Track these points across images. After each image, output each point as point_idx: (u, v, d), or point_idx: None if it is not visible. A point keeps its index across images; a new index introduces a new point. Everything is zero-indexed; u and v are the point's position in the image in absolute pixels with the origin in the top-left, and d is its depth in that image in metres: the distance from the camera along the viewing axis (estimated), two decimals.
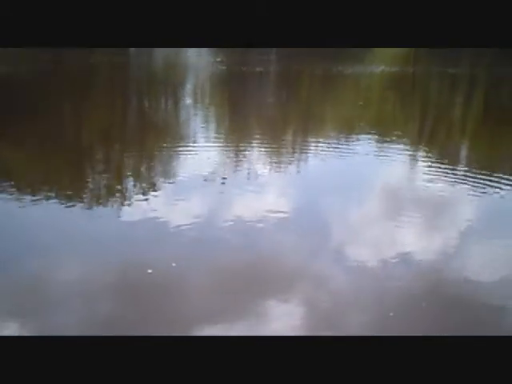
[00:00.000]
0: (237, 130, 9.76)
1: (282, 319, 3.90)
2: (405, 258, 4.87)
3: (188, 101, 12.51)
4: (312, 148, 8.63)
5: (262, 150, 8.28)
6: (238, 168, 7.25)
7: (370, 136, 9.57)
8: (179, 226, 5.27)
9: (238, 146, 8.36)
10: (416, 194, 6.65)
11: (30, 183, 6.40)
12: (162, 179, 6.74)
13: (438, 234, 5.53)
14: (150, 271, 4.35)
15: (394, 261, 4.82)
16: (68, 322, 3.73)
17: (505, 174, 7.46)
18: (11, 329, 3.59)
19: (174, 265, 4.46)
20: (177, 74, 15.21)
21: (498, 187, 6.88)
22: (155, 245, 4.89)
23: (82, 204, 5.77)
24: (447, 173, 7.45)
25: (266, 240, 5.10)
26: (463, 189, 6.82)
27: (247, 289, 4.27)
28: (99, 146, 8.19)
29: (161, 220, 5.41)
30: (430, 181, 7.08)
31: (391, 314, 4.03)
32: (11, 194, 5.91)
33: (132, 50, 14.09)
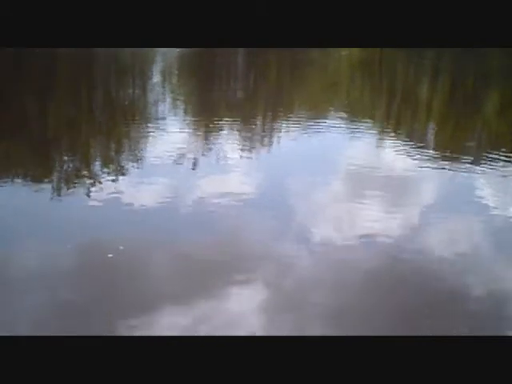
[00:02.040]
0: (206, 111, 9.71)
1: (244, 300, 3.92)
2: (367, 237, 4.93)
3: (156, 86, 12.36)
4: (280, 128, 8.71)
5: (233, 130, 8.38)
6: (206, 148, 7.28)
7: (339, 116, 9.69)
8: (143, 207, 5.28)
9: (206, 127, 8.38)
10: (381, 172, 6.73)
11: None
12: (129, 161, 6.72)
13: (401, 212, 5.60)
14: (110, 255, 4.33)
15: (356, 239, 4.88)
16: (25, 305, 3.74)
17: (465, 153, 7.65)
18: None
19: (121, 248, 4.42)
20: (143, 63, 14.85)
21: (459, 167, 7.05)
22: (117, 227, 4.89)
23: (45, 187, 5.74)
24: (411, 152, 7.59)
25: (231, 221, 5.12)
26: (426, 168, 6.97)
27: (210, 270, 4.26)
28: (65, 129, 8.10)
29: (123, 202, 5.40)
30: (395, 160, 7.24)
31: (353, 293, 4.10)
32: None
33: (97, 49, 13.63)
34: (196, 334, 3.53)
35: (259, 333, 3.58)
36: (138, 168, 6.44)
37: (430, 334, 3.62)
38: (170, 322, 3.67)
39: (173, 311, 3.79)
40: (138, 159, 6.76)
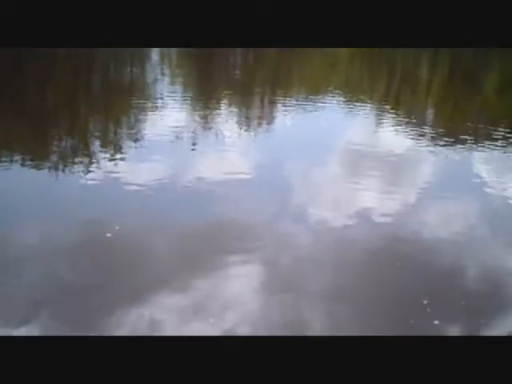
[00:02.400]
0: (205, 91, 9.81)
1: (243, 279, 3.94)
2: (363, 216, 4.98)
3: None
4: (279, 108, 8.78)
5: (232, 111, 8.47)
6: (205, 127, 7.35)
7: (336, 99, 9.79)
8: (141, 186, 5.31)
9: (205, 106, 8.45)
10: (380, 153, 6.79)
11: None
12: (128, 141, 6.76)
13: (397, 192, 5.64)
14: (108, 235, 4.34)
15: (352, 218, 4.93)
16: (24, 282, 3.77)
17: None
18: None
19: (117, 228, 4.43)
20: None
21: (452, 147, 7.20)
22: (115, 206, 4.92)
23: (45, 165, 5.79)
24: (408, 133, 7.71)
25: (230, 200, 5.14)
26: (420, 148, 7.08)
27: (208, 248, 4.29)
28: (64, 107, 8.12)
29: (121, 181, 5.44)
30: (394, 140, 7.33)
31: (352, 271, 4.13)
32: None
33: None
34: (194, 334, 3.53)
35: (256, 314, 3.61)
36: (136, 148, 6.45)
37: (429, 335, 3.63)
38: (168, 302, 3.68)
39: (170, 291, 3.79)
40: (137, 139, 6.77)
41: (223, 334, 3.45)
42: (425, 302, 3.80)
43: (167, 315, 3.53)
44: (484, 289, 4.09)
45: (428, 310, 3.73)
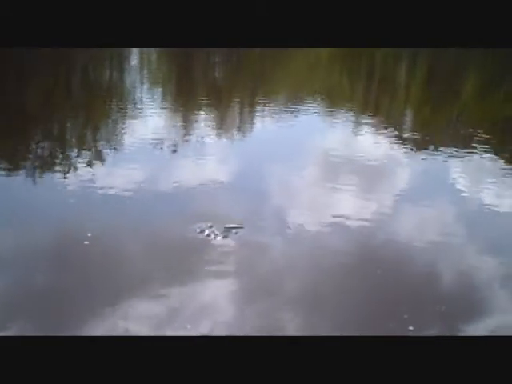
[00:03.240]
0: (185, 98, 9.65)
1: (219, 286, 3.94)
2: (340, 223, 4.96)
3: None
4: (258, 114, 8.76)
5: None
6: (185, 133, 7.31)
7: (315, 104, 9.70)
8: (119, 192, 5.28)
9: (185, 111, 8.43)
10: (358, 159, 6.76)
11: None
12: (107, 145, 6.73)
13: (374, 199, 5.63)
14: (86, 242, 4.31)
15: (329, 225, 4.92)
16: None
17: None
18: None
19: (89, 234, 4.40)
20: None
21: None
22: (92, 212, 4.87)
23: (22, 171, 5.73)
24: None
25: (208, 204, 5.13)
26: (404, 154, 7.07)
27: (184, 255, 4.29)
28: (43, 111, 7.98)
29: (99, 187, 5.40)
30: (372, 146, 7.31)
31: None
32: None
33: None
34: (189, 334, 3.53)
35: (231, 315, 3.64)
36: (117, 154, 6.40)
37: (429, 335, 3.63)
38: (146, 307, 3.68)
39: (147, 296, 3.78)
40: (117, 145, 6.72)
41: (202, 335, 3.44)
42: (405, 315, 3.79)
43: (141, 321, 3.52)
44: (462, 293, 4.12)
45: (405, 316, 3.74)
